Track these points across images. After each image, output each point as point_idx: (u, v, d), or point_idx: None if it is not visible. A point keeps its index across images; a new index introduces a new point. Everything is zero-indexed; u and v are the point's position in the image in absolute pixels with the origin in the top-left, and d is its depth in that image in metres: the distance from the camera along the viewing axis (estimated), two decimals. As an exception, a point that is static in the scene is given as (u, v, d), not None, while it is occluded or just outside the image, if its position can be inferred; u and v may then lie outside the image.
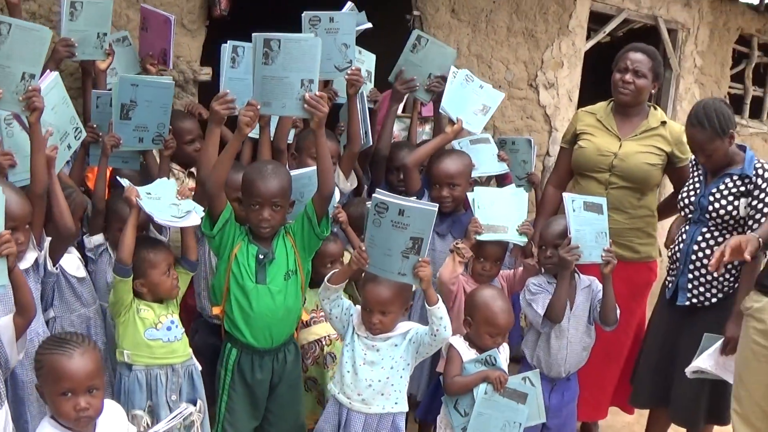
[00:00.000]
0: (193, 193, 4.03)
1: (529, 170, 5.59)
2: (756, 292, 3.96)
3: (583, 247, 4.23)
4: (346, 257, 4.43)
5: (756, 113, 9.98)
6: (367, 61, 5.07)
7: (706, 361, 4.30)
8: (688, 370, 4.36)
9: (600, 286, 4.39)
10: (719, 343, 4.29)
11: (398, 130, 5.66)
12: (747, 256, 3.60)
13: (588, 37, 7.33)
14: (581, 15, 7.04)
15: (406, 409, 3.91)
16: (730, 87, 9.20)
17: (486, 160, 5.05)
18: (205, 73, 5.08)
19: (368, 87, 5.03)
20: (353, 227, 4.41)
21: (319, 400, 4.42)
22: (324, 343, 4.35)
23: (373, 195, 3.59)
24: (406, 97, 5.48)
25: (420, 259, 3.57)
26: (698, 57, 8.37)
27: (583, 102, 6.52)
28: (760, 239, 3.65)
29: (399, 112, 5.71)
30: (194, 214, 3.74)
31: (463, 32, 6.27)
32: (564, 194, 4.35)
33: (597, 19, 7.46)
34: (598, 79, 7.51)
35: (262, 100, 3.66)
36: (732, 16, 8.78)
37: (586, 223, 4.28)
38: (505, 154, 5.20)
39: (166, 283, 3.78)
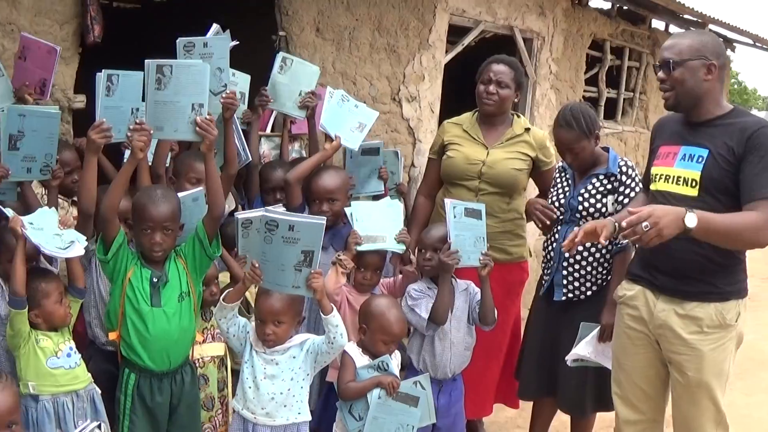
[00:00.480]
0: (75, 222, 4.08)
1: (397, 181, 5.88)
2: (627, 281, 4.31)
3: (462, 251, 4.46)
4: (223, 277, 4.57)
5: (610, 114, 10.55)
6: (241, 83, 5.19)
7: (585, 348, 4.64)
8: (569, 358, 4.70)
9: (476, 288, 4.66)
10: (596, 331, 4.65)
11: (269, 149, 5.78)
12: (603, 240, 3.92)
13: (447, 50, 7.64)
14: (440, 29, 7.36)
15: (309, 417, 4.08)
16: (585, 90, 9.71)
17: (367, 179, 5.40)
18: (79, 101, 5.11)
19: (242, 108, 5.17)
20: (226, 246, 4.47)
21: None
22: (198, 365, 4.38)
23: (263, 213, 3.75)
24: (274, 116, 5.74)
25: (312, 271, 3.75)
26: (553, 64, 8.86)
27: (444, 113, 6.85)
28: (616, 224, 3.91)
29: (269, 130, 5.93)
30: (77, 245, 3.79)
31: (328, 50, 6.46)
32: (446, 200, 4.57)
33: (456, 32, 7.78)
34: (458, 90, 7.87)
35: (154, 125, 3.81)
36: (585, 23, 9.32)
37: (466, 229, 4.52)
38: (386, 172, 5.50)
39: (60, 311, 3.82)
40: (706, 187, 3.87)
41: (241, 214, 4.25)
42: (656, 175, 4.16)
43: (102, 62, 4.25)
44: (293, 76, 5.15)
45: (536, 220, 4.94)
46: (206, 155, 3.94)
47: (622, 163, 4.78)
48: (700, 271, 3.94)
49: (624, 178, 4.73)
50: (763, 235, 3.69)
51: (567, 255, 4.78)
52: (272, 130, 6.00)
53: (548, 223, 4.87)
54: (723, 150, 3.85)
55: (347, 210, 4.70)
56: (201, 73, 3.87)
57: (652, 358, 4.21)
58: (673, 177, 4.03)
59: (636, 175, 4.76)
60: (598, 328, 4.64)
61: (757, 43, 12.25)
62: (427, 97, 7.37)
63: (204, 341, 4.43)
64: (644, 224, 3.47)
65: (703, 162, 3.90)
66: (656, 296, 4.11)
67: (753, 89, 69.02)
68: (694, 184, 3.91)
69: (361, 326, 4.22)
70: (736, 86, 62.73)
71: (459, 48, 7.74)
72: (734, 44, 12.84)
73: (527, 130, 5.31)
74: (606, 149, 4.95)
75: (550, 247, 4.98)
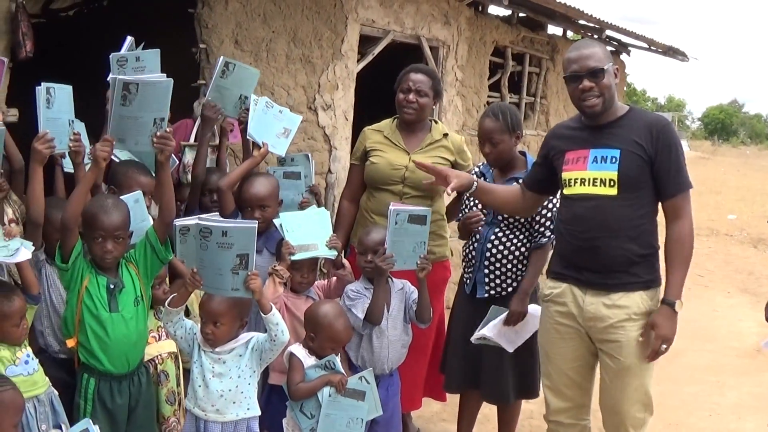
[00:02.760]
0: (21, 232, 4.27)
1: (309, 183, 6.05)
2: (552, 280, 4.61)
3: (399, 255, 4.73)
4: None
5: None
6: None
7: (490, 330, 5.04)
8: (473, 338, 5.11)
9: (412, 287, 4.97)
10: (504, 315, 5.06)
11: (192, 158, 5.91)
12: (448, 190, 4.63)
13: (359, 59, 8.01)
14: (352, 39, 7.73)
15: (259, 412, 4.33)
16: (489, 96, 10.13)
17: (290, 203, 5.58)
18: (12, 115, 5.20)
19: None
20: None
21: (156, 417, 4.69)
22: (157, 362, 4.61)
23: (197, 222, 4.00)
24: (198, 125, 5.86)
25: (249, 273, 4.03)
26: (459, 71, 9.32)
27: (358, 120, 7.25)
28: (476, 182, 4.75)
29: (192, 140, 6.00)
30: (24, 250, 3.87)
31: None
32: (391, 206, 4.77)
33: (366, 42, 8.13)
34: (370, 97, 8.21)
35: (117, 137, 4.08)
36: (487, 31, 9.80)
37: (406, 235, 4.75)
38: (308, 198, 5.76)
39: (17, 333, 3.91)
40: (624, 185, 4.23)
41: (179, 222, 4.41)
42: (570, 179, 4.43)
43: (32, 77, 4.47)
44: (235, 80, 5.30)
45: (473, 230, 5.28)
46: (163, 164, 4.18)
47: None
48: (625, 265, 4.29)
49: None
50: (693, 235, 4.35)
51: (488, 255, 5.19)
52: (195, 140, 6.15)
53: (480, 228, 5.25)
54: (634, 148, 4.21)
55: (276, 222, 4.93)
56: (165, 89, 4.12)
57: (581, 349, 4.53)
58: (589, 179, 4.33)
59: None
60: (507, 312, 5.05)
61: (651, 47, 12.75)
62: (342, 105, 7.72)
63: (159, 338, 4.67)
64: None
65: (617, 161, 4.23)
66: (584, 291, 4.40)
67: (642, 90, 71.05)
68: (612, 183, 4.25)
69: (308, 334, 4.43)
70: (626, 88, 64.45)
71: (370, 57, 8.10)
72: (629, 48, 13.34)
73: (445, 135, 5.62)
74: (523, 153, 5.35)
75: (471, 247, 5.35)
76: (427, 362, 5.72)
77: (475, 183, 4.80)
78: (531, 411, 6.38)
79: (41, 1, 11.77)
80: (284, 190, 5.54)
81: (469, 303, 5.39)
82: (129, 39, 4.99)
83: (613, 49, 12.77)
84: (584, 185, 4.36)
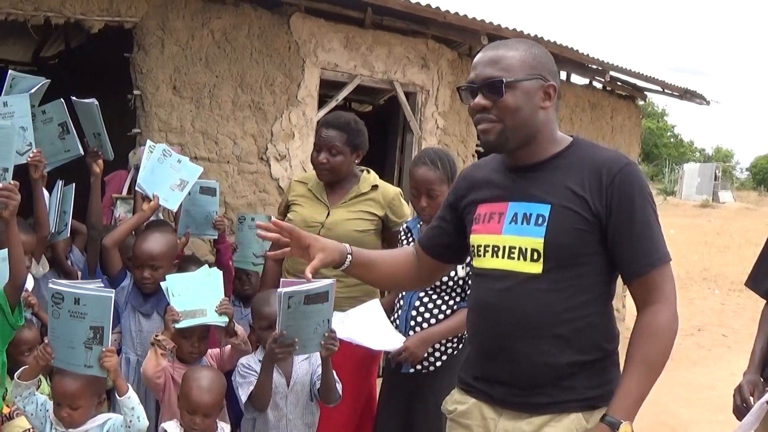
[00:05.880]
0: None
1: (267, 248, 5.66)
2: (459, 391, 3.29)
3: (299, 339, 4.08)
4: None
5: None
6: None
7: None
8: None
9: (320, 360, 4.40)
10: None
11: (125, 212, 5.68)
12: (307, 272, 3.20)
13: (325, 103, 7.65)
14: (311, 84, 7.37)
15: None
16: (479, 145, 9.65)
17: (204, 220, 5.37)
18: None
19: None
20: None
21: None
22: None
23: (49, 285, 3.67)
24: (131, 177, 5.71)
25: (104, 349, 3.65)
26: (440, 118, 8.86)
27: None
28: (349, 255, 3.36)
29: (125, 192, 5.84)
30: None
31: (186, 109, 6.44)
32: (280, 289, 3.88)
33: (332, 85, 7.78)
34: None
35: None
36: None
37: (304, 317, 3.99)
38: (222, 223, 5.50)
39: None
40: (553, 259, 2.90)
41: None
42: (479, 246, 3.12)
43: None
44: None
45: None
46: (9, 222, 3.89)
47: None
48: (555, 377, 2.96)
49: None
50: (676, 328, 2.91)
51: (413, 324, 4.65)
52: (128, 192, 5.91)
53: (403, 293, 4.75)
54: (573, 202, 2.88)
55: (163, 284, 4.52)
56: (8, 135, 3.87)
57: None
58: (505, 249, 3.01)
59: None
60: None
61: (665, 90, 12.35)
62: (299, 155, 7.34)
63: (11, 414, 4.31)
64: None
65: (545, 223, 2.90)
66: (497, 412, 3.08)
67: (690, 141, 70.98)
68: (536, 256, 2.92)
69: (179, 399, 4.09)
70: (672, 139, 64.28)
71: (333, 103, 7.73)
72: (645, 93, 12.94)
73: (375, 187, 5.15)
74: None
75: (395, 315, 4.82)
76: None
77: (349, 257, 3.35)
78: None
79: (31, 49, 12.11)
80: (198, 206, 5.36)
81: (396, 378, 4.85)
82: (10, 73, 4.71)
83: (627, 94, 12.32)
84: (497, 256, 3.03)
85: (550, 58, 3.06)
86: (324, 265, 3.30)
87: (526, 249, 2.94)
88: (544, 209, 2.91)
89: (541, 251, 2.90)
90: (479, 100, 2.95)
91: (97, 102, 4.91)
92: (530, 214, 2.96)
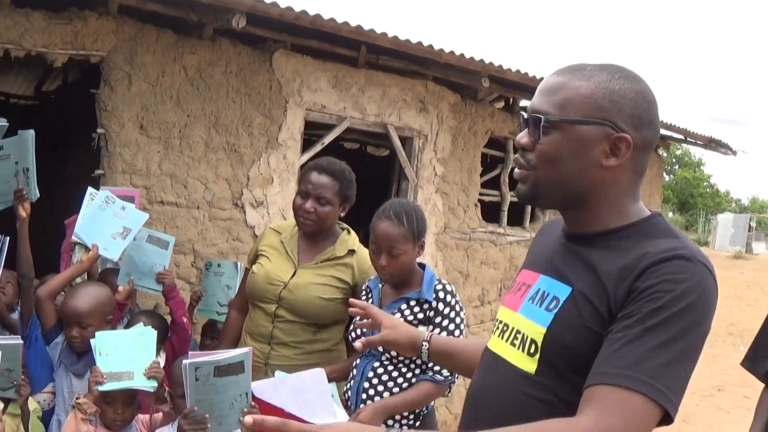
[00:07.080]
0: None
1: (233, 296, 5.27)
2: None
3: (213, 417, 3.63)
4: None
5: (517, 220, 10.01)
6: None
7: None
8: None
9: None
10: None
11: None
12: (358, 344, 3.05)
13: (309, 147, 7.22)
14: (293, 126, 6.92)
15: None
16: (482, 194, 9.20)
17: (149, 271, 5.05)
18: None
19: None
20: None
21: None
22: None
23: None
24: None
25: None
26: (439, 165, 8.38)
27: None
28: (425, 342, 2.97)
29: None
30: None
31: (154, 149, 6.06)
32: (184, 361, 3.52)
33: (319, 126, 7.38)
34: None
35: None
36: (479, 119, 8.83)
37: (216, 392, 3.59)
38: (170, 278, 5.13)
39: None
40: (548, 361, 2.23)
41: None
42: (497, 321, 2.55)
43: None
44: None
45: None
46: None
47: (439, 287, 4.09)
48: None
49: (441, 306, 4.04)
50: None
51: (365, 396, 4.11)
52: None
53: (357, 361, 4.25)
54: (593, 291, 2.18)
55: (92, 342, 4.15)
56: None
57: None
58: (512, 331, 2.41)
59: (457, 302, 4.10)
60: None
61: (688, 138, 11.90)
62: (278, 202, 6.89)
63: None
64: None
65: (556, 309, 2.25)
66: None
67: (726, 191, 70.64)
68: (533, 350, 2.26)
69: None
70: (708, 189, 63.92)
71: (319, 147, 7.27)
72: (668, 141, 12.53)
73: (351, 252, 4.61)
74: (422, 266, 4.28)
75: (347, 386, 4.31)
76: None
77: (425, 344, 2.97)
78: None
79: (33, 83, 12.10)
80: (143, 255, 5.01)
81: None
82: None
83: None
84: (502, 338, 2.45)
85: (642, 101, 2.21)
86: (384, 344, 3.10)
87: (526, 337, 2.30)
88: (563, 292, 2.24)
89: (539, 345, 2.24)
90: (521, 136, 2.28)
91: (33, 133, 4.66)
92: (547, 294, 2.30)
